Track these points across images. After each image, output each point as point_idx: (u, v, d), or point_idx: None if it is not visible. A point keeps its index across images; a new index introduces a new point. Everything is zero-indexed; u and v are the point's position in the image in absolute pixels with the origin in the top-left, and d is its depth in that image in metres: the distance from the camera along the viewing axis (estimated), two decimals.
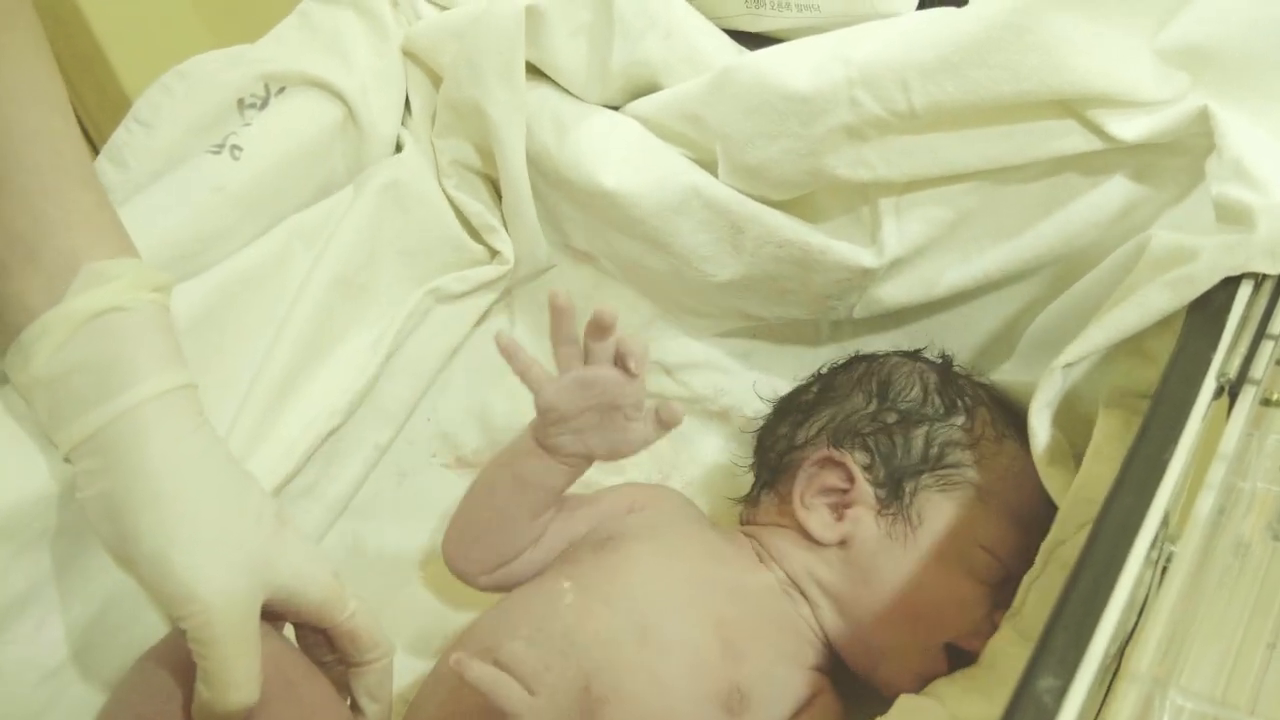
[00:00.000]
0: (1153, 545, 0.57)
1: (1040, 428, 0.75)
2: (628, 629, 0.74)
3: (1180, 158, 0.76)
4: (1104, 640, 0.53)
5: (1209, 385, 0.64)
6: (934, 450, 0.80)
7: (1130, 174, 0.78)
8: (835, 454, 0.81)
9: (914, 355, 0.88)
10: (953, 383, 0.84)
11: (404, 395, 0.91)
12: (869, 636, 0.78)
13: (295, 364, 0.84)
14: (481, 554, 0.81)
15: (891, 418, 0.82)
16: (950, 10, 0.76)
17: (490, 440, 0.98)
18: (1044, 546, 0.72)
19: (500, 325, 0.97)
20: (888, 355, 0.88)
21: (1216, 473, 0.61)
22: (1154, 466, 0.60)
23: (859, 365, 0.87)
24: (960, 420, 0.81)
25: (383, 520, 0.93)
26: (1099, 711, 0.53)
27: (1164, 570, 0.58)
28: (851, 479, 0.80)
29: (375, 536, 0.92)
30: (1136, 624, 0.56)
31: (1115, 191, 0.78)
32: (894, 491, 0.79)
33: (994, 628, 0.76)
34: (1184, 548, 0.58)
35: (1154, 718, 0.54)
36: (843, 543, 0.79)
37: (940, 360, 0.87)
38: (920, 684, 0.77)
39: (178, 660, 0.65)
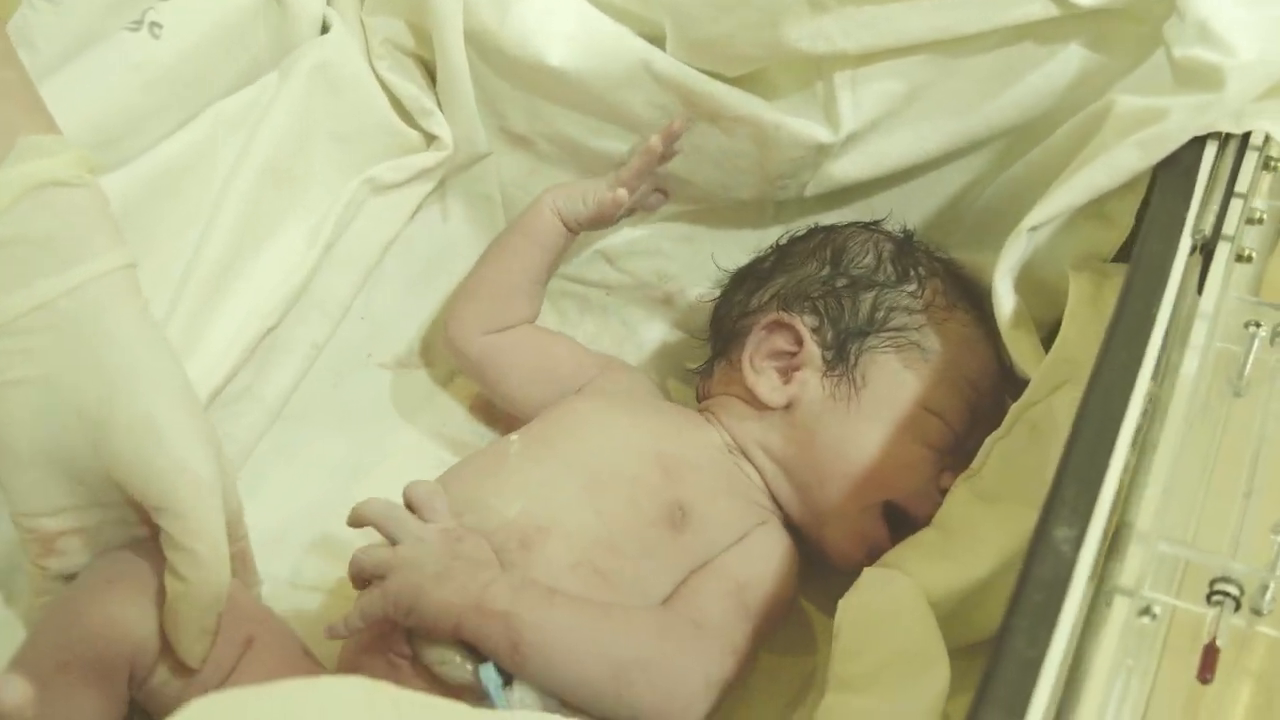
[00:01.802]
0: (1145, 402, 0.58)
1: (1005, 292, 0.75)
2: (570, 468, 0.76)
3: (1136, 24, 0.76)
4: (1111, 490, 0.54)
5: (1185, 243, 0.65)
6: (880, 314, 0.80)
7: (1086, 42, 0.78)
8: (784, 317, 0.82)
9: (872, 226, 0.88)
10: (909, 253, 0.84)
11: (340, 292, 0.87)
12: (812, 498, 0.79)
13: (226, 260, 0.80)
14: (482, 309, 0.87)
15: (842, 282, 0.82)
16: None
17: (425, 338, 0.95)
18: (1013, 408, 0.73)
19: (433, 215, 0.93)
20: (847, 225, 0.88)
21: (1199, 333, 0.62)
22: (1141, 324, 0.60)
23: (817, 234, 0.88)
24: (911, 287, 0.82)
25: (318, 426, 0.89)
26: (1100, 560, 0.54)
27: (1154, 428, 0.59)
28: (800, 341, 0.81)
29: (313, 443, 0.89)
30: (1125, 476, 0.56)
31: (1071, 60, 0.78)
32: (839, 353, 0.80)
33: (940, 492, 0.77)
34: (1174, 407, 0.59)
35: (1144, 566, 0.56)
36: (789, 406, 0.80)
37: (901, 233, 0.87)
38: (865, 549, 0.78)
39: (119, 571, 0.63)
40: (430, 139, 0.89)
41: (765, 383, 0.81)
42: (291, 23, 0.84)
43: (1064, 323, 0.72)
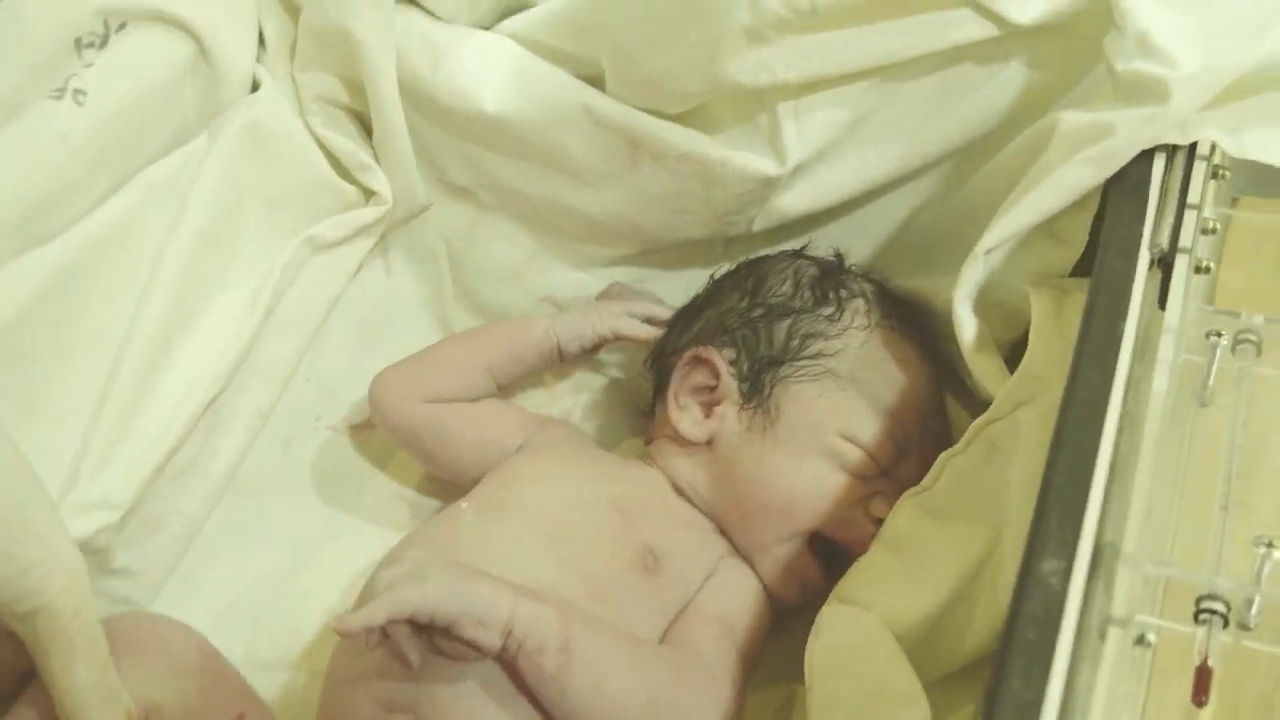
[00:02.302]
0: (1119, 422, 0.57)
1: (965, 315, 0.74)
2: (529, 528, 0.74)
3: (1074, 40, 0.75)
4: (1095, 516, 0.53)
5: (1143, 258, 0.64)
6: (794, 342, 0.80)
7: (1026, 60, 0.77)
8: (702, 351, 0.81)
9: (798, 253, 0.87)
10: (832, 276, 0.83)
11: (284, 355, 0.85)
12: (738, 533, 0.78)
13: (163, 331, 0.78)
14: (417, 374, 0.83)
15: (758, 312, 0.81)
16: None
17: None
18: (973, 425, 0.71)
19: (376, 272, 0.91)
20: (775, 254, 0.87)
21: (1166, 348, 0.62)
22: (1109, 343, 0.59)
23: (744, 267, 0.87)
24: (827, 311, 0.81)
25: (270, 496, 0.86)
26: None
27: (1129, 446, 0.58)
28: (717, 375, 0.80)
29: (265, 514, 0.86)
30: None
31: (1012, 79, 0.78)
32: (755, 385, 0.79)
33: (872, 520, 0.76)
34: (1149, 425, 0.59)
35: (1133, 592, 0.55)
36: (710, 441, 0.79)
37: (833, 256, 0.86)
38: (795, 583, 0.77)
39: None
40: (369, 194, 0.87)
41: (687, 419, 0.80)
42: (220, 83, 0.82)
43: (1031, 339, 0.71)
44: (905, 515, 0.73)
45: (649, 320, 0.87)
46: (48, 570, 0.57)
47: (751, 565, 0.78)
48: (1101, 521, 0.53)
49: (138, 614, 0.62)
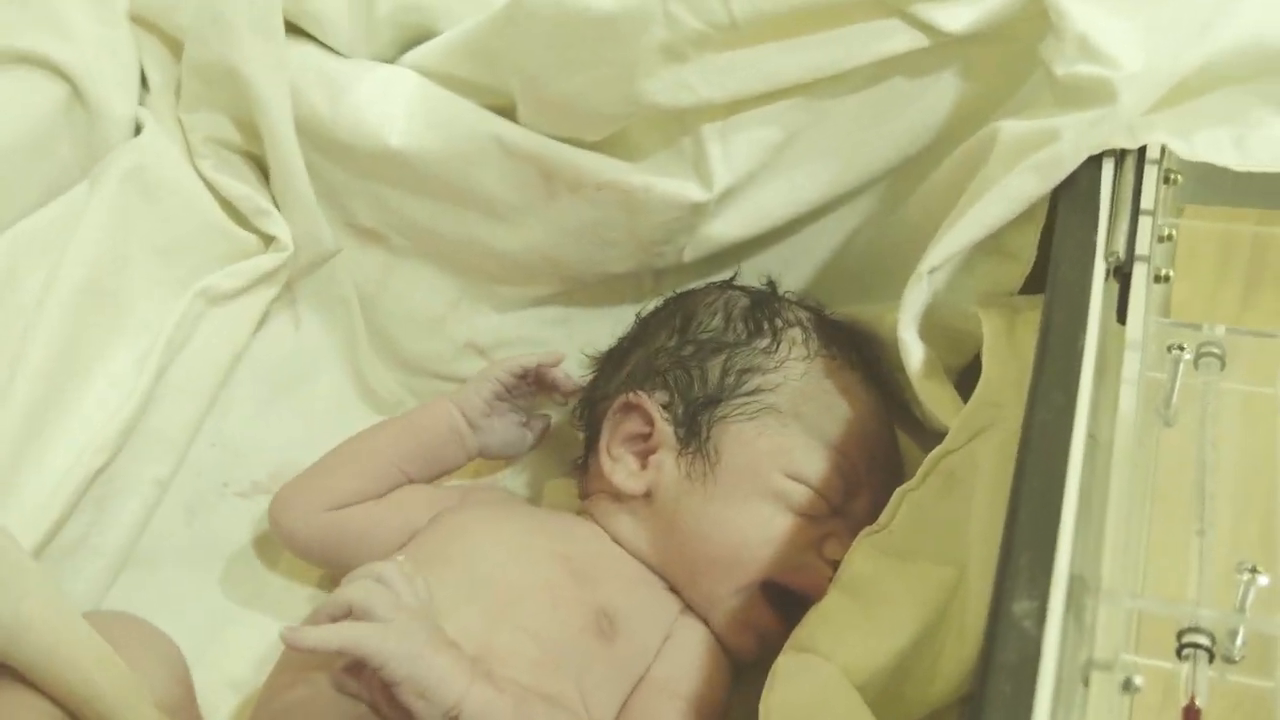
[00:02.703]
0: (1087, 447, 0.52)
1: (912, 341, 0.70)
2: (476, 584, 0.69)
3: (1009, 47, 0.72)
4: (1067, 552, 0.48)
5: (1099, 268, 0.60)
6: (730, 378, 0.75)
7: (959, 71, 0.74)
8: (633, 397, 0.76)
9: (727, 284, 0.82)
10: (765, 306, 0.79)
11: (182, 418, 0.79)
12: (688, 589, 0.73)
13: (43, 397, 0.72)
14: (325, 485, 0.77)
15: (689, 350, 0.77)
16: None
17: (287, 460, 0.86)
18: (929, 457, 0.67)
19: (283, 324, 0.85)
20: (702, 288, 0.83)
21: (1131, 365, 0.57)
22: (1069, 361, 0.55)
23: (671, 303, 0.82)
24: (763, 343, 0.76)
25: (174, 570, 0.80)
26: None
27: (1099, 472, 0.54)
28: (651, 421, 0.75)
29: (169, 591, 0.79)
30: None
31: (945, 91, 0.74)
32: (691, 428, 0.74)
33: (827, 563, 0.71)
34: (1118, 448, 0.54)
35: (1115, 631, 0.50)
36: (649, 493, 0.74)
37: (765, 285, 0.82)
38: (753, 636, 0.72)
39: None
40: (269, 240, 0.81)
41: (621, 470, 0.75)
42: (99, 126, 0.77)
43: (985, 362, 0.66)
44: (862, 556, 0.67)
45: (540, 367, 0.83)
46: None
47: (705, 621, 0.73)
48: (1075, 556, 0.48)
49: (123, 614, 0.60)
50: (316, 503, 0.77)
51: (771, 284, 0.82)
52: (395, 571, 0.61)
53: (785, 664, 0.65)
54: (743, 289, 0.81)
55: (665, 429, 0.74)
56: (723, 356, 0.75)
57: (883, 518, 0.68)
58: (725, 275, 0.85)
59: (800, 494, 0.72)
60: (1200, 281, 0.83)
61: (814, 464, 0.72)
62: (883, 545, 0.68)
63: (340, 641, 0.56)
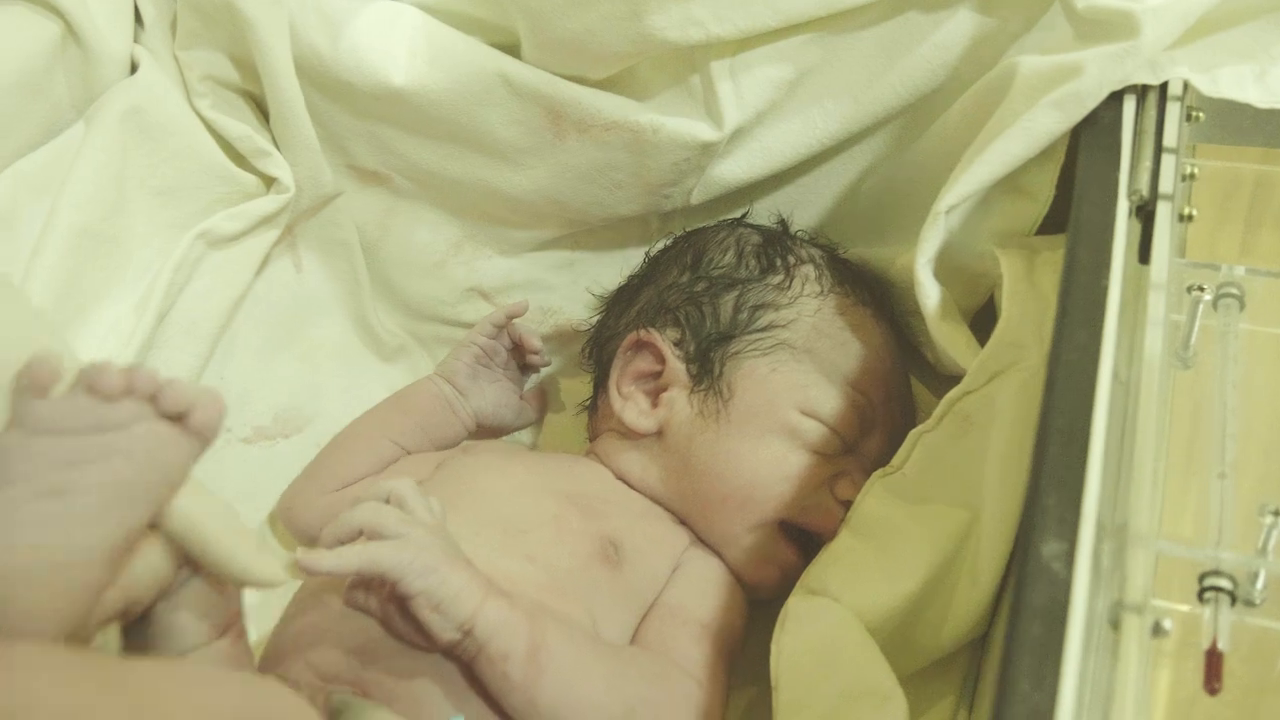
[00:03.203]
0: (1112, 386, 0.51)
1: (928, 282, 0.69)
2: (482, 519, 0.68)
3: None
4: (1095, 494, 0.47)
5: (1122, 206, 0.59)
6: (743, 315, 0.74)
7: (974, 5, 0.72)
8: (644, 334, 0.75)
9: (738, 221, 0.81)
10: (777, 243, 0.78)
11: (185, 362, 0.77)
12: (703, 525, 0.73)
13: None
14: (326, 469, 0.77)
15: (701, 286, 0.76)
16: None
17: (290, 404, 0.85)
18: (945, 399, 0.66)
19: (284, 268, 0.84)
20: (713, 225, 0.82)
21: (1158, 306, 0.56)
22: (1094, 300, 0.54)
23: (682, 240, 0.81)
24: (776, 279, 0.75)
25: None
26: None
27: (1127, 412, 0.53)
28: (662, 359, 0.74)
29: None
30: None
31: (960, 27, 0.73)
32: (704, 365, 0.73)
33: (839, 503, 0.71)
34: (1145, 390, 0.53)
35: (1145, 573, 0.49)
36: (661, 431, 0.73)
37: (777, 223, 0.81)
38: (775, 571, 0.71)
39: None
40: (269, 182, 0.80)
41: (632, 409, 0.74)
42: (94, 65, 0.74)
43: (1005, 304, 0.65)
44: (875, 498, 0.67)
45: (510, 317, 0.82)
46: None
47: (720, 556, 0.72)
48: (1103, 497, 0.48)
49: None
50: (316, 488, 0.77)
51: (783, 222, 0.81)
52: (406, 487, 0.60)
53: (796, 606, 0.65)
54: (755, 226, 0.80)
55: (677, 366, 0.74)
56: (735, 293, 0.74)
57: (896, 459, 0.68)
58: (733, 215, 0.83)
59: (815, 431, 0.71)
60: (1201, 222, 0.82)
61: (829, 400, 0.72)
62: (895, 487, 0.67)
63: (358, 562, 0.55)
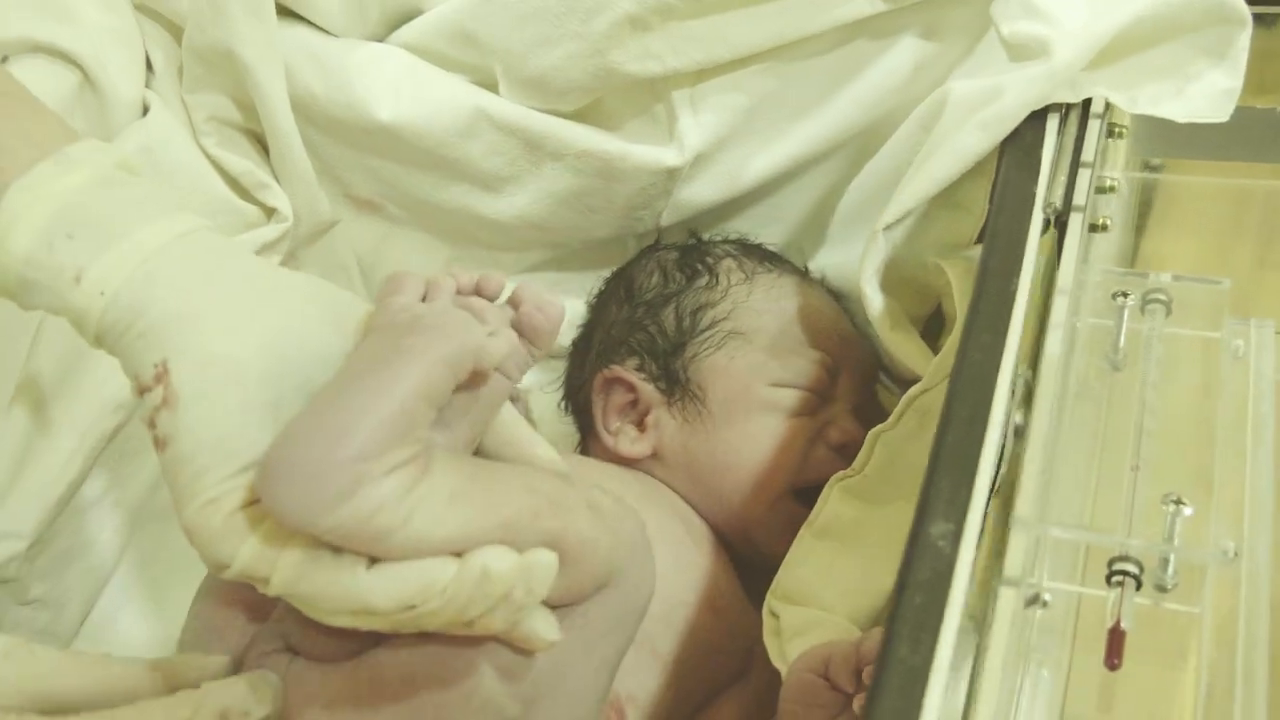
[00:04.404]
0: (1012, 385, 0.55)
1: (873, 293, 0.73)
2: None
3: (964, 9, 0.75)
4: (986, 480, 0.51)
5: (1037, 218, 0.63)
6: (686, 321, 0.79)
7: (918, 33, 0.77)
8: (608, 372, 0.80)
9: (655, 247, 0.87)
10: (693, 252, 0.83)
11: None
12: (724, 520, 0.76)
13: (63, 360, 0.76)
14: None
15: (640, 312, 0.81)
16: None
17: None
18: (904, 398, 0.70)
19: None
20: (634, 256, 0.87)
21: (1060, 310, 0.61)
22: (1001, 304, 0.58)
23: (611, 280, 0.87)
24: (703, 281, 0.81)
25: None
26: (986, 554, 0.51)
27: (1023, 414, 0.57)
28: (633, 388, 0.79)
29: (183, 542, 0.84)
30: (1000, 463, 0.54)
31: (906, 53, 0.77)
32: (671, 378, 0.78)
33: (833, 449, 0.76)
34: (1043, 388, 0.57)
35: (1039, 555, 0.53)
36: (655, 453, 0.78)
37: (690, 237, 0.87)
38: (791, 535, 0.72)
39: None
40: (270, 212, 0.85)
41: (625, 441, 0.79)
42: (109, 108, 0.80)
43: (957, 309, 0.70)
44: (837, 500, 0.71)
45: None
46: None
47: (753, 542, 0.76)
48: (997, 486, 0.52)
49: None
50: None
51: (693, 234, 0.87)
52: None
53: (792, 618, 0.68)
54: (668, 246, 0.86)
55: (648, 388, 0.79)
56: (672, 305, 0.80)
57: (856, 462, 0.72)
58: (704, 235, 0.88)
59: (789, 396, 0.76)
60: (1211, 237, 0.85)
61: (790, 365, 0.77)
62: (857, 489, 0.71)
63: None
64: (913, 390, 0.71)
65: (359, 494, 0.46)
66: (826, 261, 0.86)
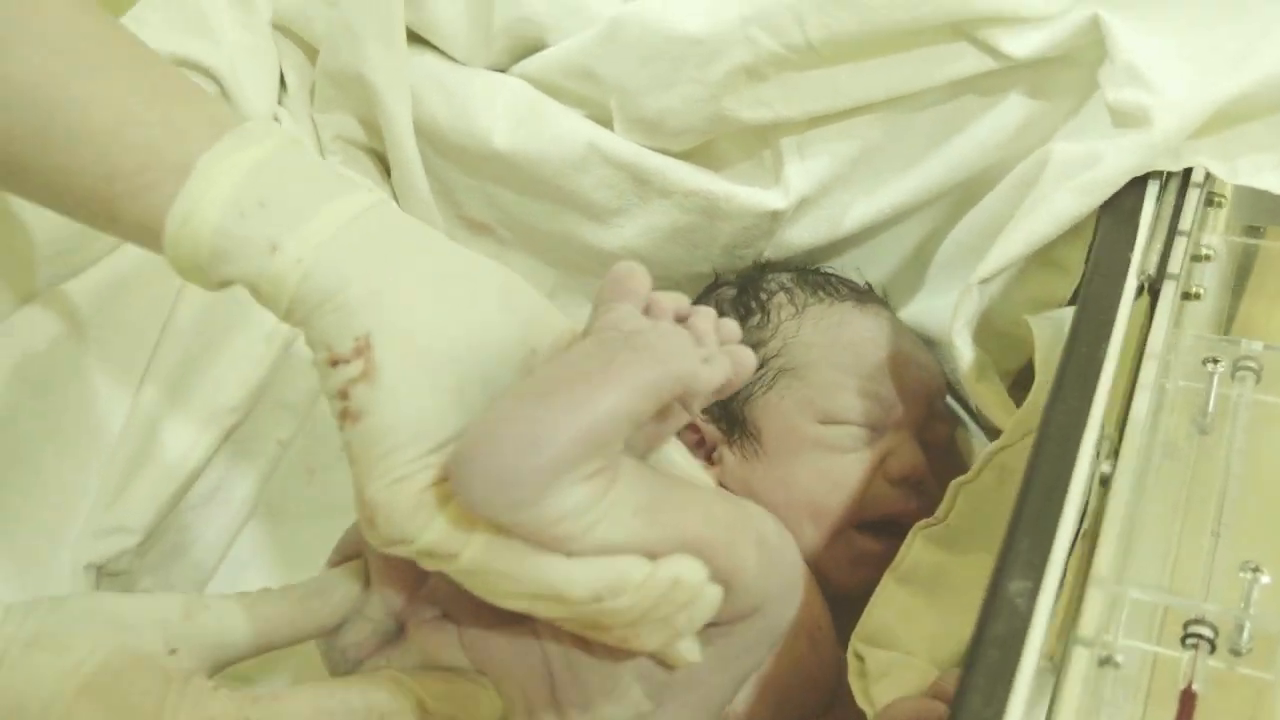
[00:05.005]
0: (1097, 445, 0.57)
1: (964, 345, 0.75)
2: None
3: (1072, 70, 0.76)
4: (1065, 540, 0.53)
5: (1131, 284, 0.64)
6: None
7: (1025, 91, 0.78)
8: None
9: (715, 284, 0.88)
10: (748, 288, 0.84)
11: (305, 384, 0.87)
12: None
13: (185, 362, 0.80)
14: None
15: None
16: None
17: None
18: (983, 453, 0.72)
19: None
20: (698, 295, 0.88)
21: (1149, 372, 0.62)
22: (1089, 367, 0.60)
23: None
24: (755, 320, 0.82)
25: (295, 521, 0.88)
26: (1064, 611, 0.53)
27: (1107, 472, 0.58)
28: (697, 429, 0.81)
29: (289, 538, 0.88)
30: (1082, 522, 0.55)
31: (1012, 110, 0.78)
32: (729, 418, 0.80)
33: (893, 482, 0.76)
34: (1127, 448, 0.59)
35: (1116, 614, 0.55)
36: (720, 486, 0.78)
37: (754, 267, 0.87)
38: (872, 570, 0.74)
39: None
40: None
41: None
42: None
43: (1037, 371, 0.71)
44: (920, 548, 0.73)
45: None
46: None
47: (824, 576, 0.77)
48: (1078, 545, 0.54)
49: None
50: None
51: (757, 264, 0.87)
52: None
53: (876, 661, 0.70)
54: (727, 282, 0.87)
55: (710, 429, 0.80)
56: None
57: (940, 511, 0.73)
58: None
59: (840, 432, 0.77)
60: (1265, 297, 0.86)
61: (839, 400, 0.77)
62: (939, 537, 0.73)
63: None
64: (993, 446, 0.72)
65: (545, 501, 0.48)
66: (920, 308, 0.87)
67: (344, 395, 0.52)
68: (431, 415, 0.51)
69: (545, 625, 0.57)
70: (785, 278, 0.85)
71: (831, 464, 0.76)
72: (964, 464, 0.84)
